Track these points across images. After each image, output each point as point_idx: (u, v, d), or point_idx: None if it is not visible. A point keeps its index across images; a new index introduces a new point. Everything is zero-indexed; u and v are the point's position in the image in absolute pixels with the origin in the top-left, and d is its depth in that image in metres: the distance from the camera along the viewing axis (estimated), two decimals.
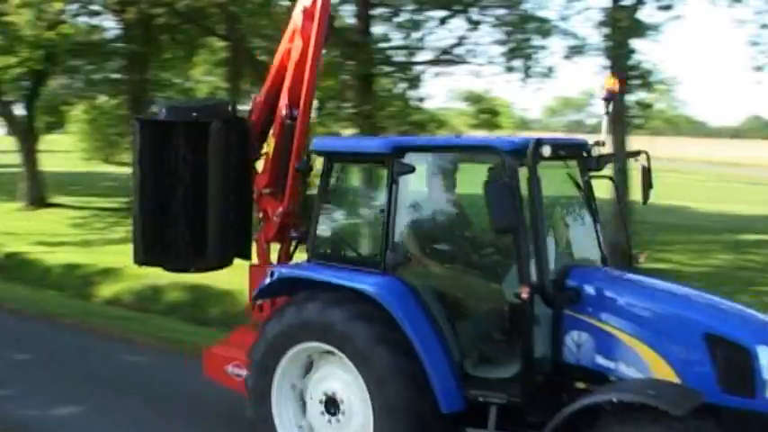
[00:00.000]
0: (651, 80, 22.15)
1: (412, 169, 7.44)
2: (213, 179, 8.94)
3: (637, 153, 7.80)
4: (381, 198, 7.68)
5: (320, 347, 7.61)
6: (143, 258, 9.24)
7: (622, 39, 19.19)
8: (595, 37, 21.20)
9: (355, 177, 8.61)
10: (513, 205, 6.60)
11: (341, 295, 7.44)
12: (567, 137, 7.45)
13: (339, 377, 7.61)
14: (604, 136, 7.78)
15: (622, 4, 19.68)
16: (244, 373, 8.42)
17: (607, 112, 7.73)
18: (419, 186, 7.85)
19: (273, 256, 9.32)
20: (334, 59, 21.39)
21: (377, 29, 23.03)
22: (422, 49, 23.45)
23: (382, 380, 7.08)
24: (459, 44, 23.15)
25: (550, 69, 21.67)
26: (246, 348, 8.28)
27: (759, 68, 20.39)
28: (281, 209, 8.97)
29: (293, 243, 9.22)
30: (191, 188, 9.03)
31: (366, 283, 7.35)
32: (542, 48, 21.37)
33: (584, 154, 7.71)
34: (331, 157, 8.02)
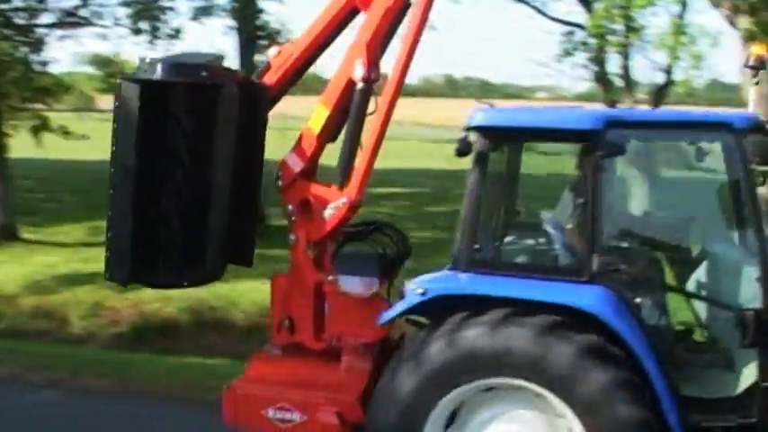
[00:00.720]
0: (280, 41, 22.77)
1: (623, 150, 6.21)
2: (220, 161, 6.80)
3: None
4: (574, 187, 6.44)
5: (486, 384, 6.10)
6: (127, 273, 6.76)
7: None
8: None
9: (528, 161, 7.04)
10: None
11: (505, 313, 5.93)
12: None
13: (511, 417, 6.21)
14: (752, 108, 6.73)
15: None
16: (295, 417, 6.85)
17: (756, 82, 6.58)
18: (626, 171, 6.85)
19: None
20: None
21: None
22: (44, 10, 21.74)
23: (604, 397, 5.71)
24: (83, 6, 22.11)
25: (178, 31, 21.66)
26: (286, 382, 6.95)
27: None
28: (344, 199, 6.97)
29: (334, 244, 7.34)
30: (190, 173, 6.81)
31: (573, 296, 5.94)
32: (169, 9, 21.74)
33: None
34: (503, 135, 6.48)
